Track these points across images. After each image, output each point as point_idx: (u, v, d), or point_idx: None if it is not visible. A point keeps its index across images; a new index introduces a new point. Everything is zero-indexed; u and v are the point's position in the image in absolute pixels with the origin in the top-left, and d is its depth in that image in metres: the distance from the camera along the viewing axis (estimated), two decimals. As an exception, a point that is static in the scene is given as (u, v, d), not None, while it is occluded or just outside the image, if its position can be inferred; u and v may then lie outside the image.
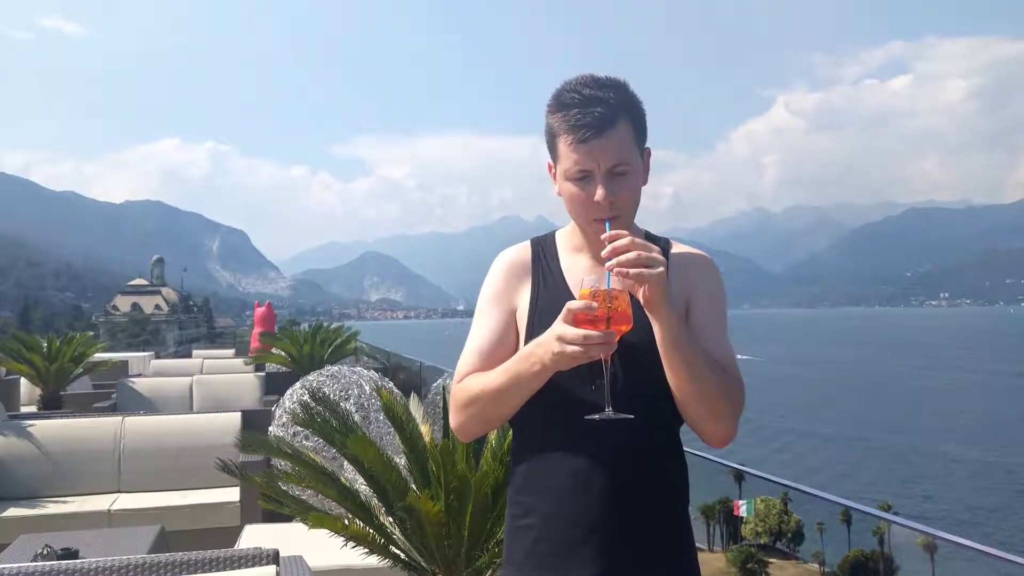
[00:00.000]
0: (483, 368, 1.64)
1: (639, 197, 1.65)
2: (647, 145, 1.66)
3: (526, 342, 1.63)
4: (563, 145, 1.59)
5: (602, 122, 1.55)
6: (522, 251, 1.78)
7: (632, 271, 1.42)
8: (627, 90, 1.61)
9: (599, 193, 1.57)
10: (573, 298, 1.54)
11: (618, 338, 1.44)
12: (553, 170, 1.67)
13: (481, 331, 1.71)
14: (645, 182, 1.67)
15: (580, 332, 1.39)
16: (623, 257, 1.43)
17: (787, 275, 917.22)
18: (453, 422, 1.69)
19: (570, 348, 1.40)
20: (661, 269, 1.43)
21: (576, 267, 1.71)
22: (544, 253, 1.76)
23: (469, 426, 1.67)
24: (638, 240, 1.45)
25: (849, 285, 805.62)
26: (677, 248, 1.76)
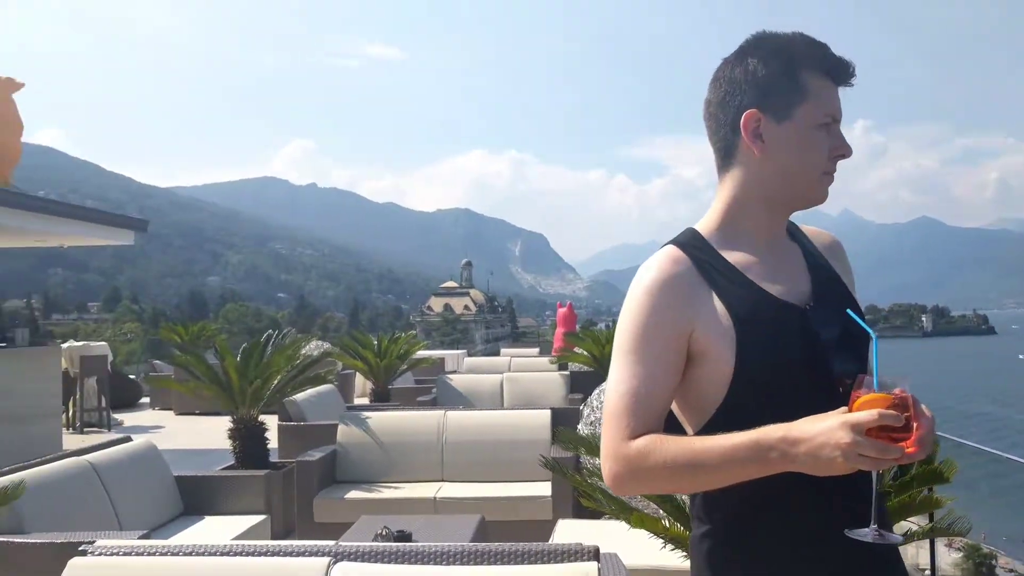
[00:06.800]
0: (645, 415, 1.35)
1: None
2: None
3: (741, 356, 1.34)
4: (816, 83, 1.37)
5: None
6: (676, 263, 1.42)
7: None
8: None
9: (845, 145, 1.38)
10: (766, 294, 1.37)
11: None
12: (759, 120, 1.39)
13: (640, 372, 1.37)
14: None
15: (878, 445, 1.13)
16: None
17: None
18: (612, 475, 1.36)
19: (860, 462, 1.14)
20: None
21: (743, 260, 1.43)
22: (702, 253, 1.44)
23: (635, 489, 1.44)
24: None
25: None
26: (809, 231, 1.55)
